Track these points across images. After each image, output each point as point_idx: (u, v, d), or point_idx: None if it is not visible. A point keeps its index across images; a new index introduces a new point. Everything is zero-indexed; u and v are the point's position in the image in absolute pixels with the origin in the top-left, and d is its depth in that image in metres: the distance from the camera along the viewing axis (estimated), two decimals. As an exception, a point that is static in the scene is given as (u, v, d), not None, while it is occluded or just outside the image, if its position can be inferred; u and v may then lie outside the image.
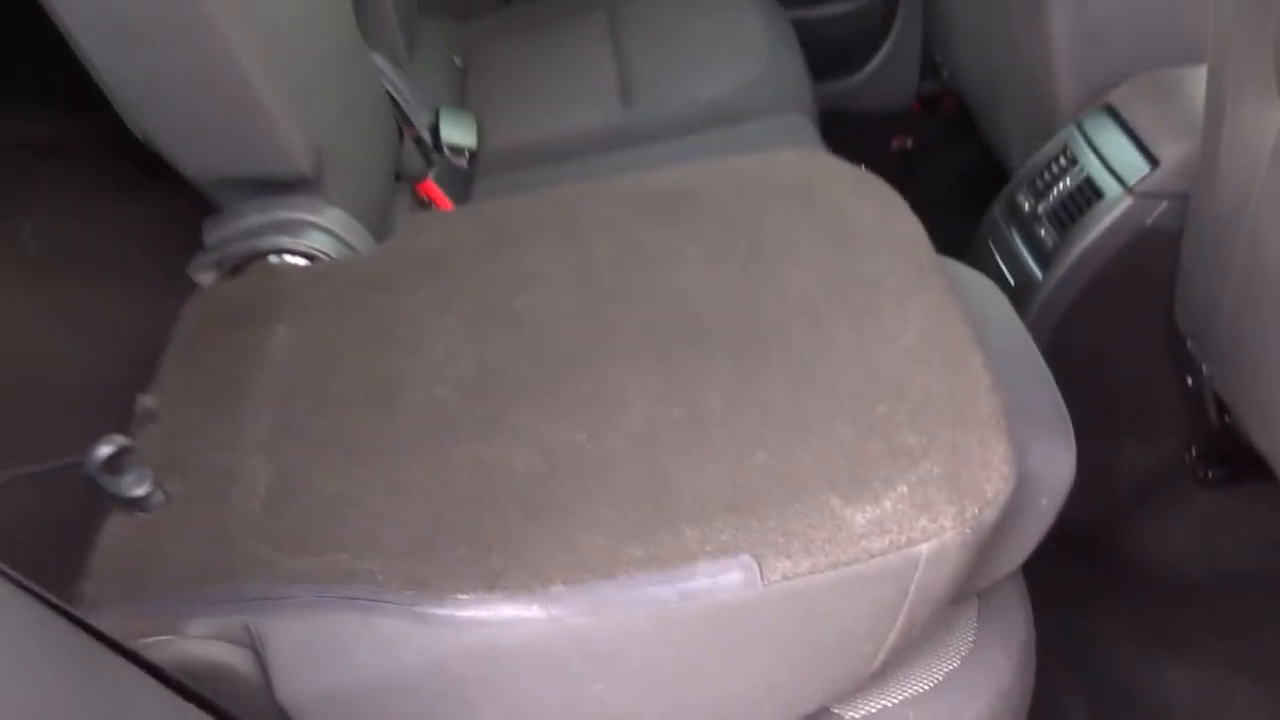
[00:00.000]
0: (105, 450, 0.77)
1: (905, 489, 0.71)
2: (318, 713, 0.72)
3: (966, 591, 0.83)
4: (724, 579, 0.69)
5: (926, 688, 0.82)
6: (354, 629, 0.72)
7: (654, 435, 0.78)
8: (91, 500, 1.11)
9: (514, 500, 0.76)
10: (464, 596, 0.70)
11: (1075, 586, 1.39)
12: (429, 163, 1.41)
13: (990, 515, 0.71)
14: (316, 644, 0.72)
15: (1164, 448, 1.44)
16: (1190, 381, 1.31)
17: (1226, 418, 1.29)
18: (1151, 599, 1.40)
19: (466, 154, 1.47)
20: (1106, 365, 1.39)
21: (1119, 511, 1.45)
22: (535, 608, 0.70)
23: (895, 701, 0.81)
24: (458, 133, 1.48)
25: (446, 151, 1.45)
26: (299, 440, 0.86)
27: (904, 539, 0.69)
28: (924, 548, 0.69)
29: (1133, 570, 1.43)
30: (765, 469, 0.74)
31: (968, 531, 0.70)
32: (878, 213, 0.94)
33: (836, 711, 0.81)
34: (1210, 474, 1.42)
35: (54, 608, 0.56)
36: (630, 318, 0.89)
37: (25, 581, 0.54)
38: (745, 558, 0.69)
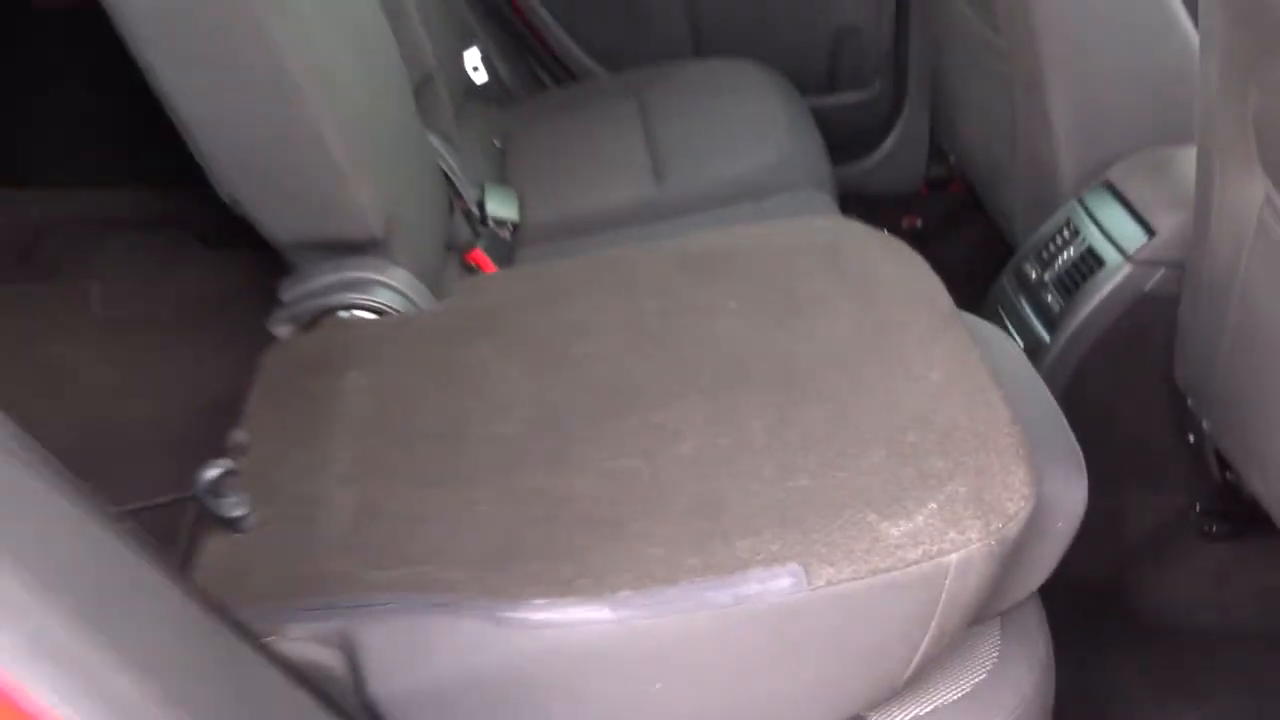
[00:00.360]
0: (212, 473, 0.85)
1: (935, 506, 0.79)
2: (404, 709, 0.79)
3: (990, 611, 0.90)
4: (774, 584, 0.77)
5: (954, 698, 0.88)
6: (438, 632, 0.79)
7: (704, 462, 0.87)
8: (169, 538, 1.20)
9: (579, 520, 0.84)
10: (539, 601, 0.78)
11: (1091, 639, 1.45)
12: (476, 234, 1.52)
13: (1012, 530, 0.79)
14: (403, 646, 0.79)
15: (1170, 504, 1.51)
16: (1192, 439, 1.39)
17: (1228, 474, 1.37)
18: (1164, 650, 1.46)
19: (510, 227, 1.58)
20: (1112, 424, 1.47)
21: (1129, 567, 1.52)
22: (605, 610, 0.77)
23: (926, 711, 0.88)
24: (502, 207, 1.59)
25: (491, 224, 1.56)
26: (377, 472, 0.94)
27: (935, 549, 0.77)
28: (953, 557, 0.77)
29: (1145, 623, 1.49)
30: (808, 490, 0.82)
31: (993, 544, 0.78)
32: (901, 270, 1.04)
33: (873, 719, 0.87)
34: (1215, 529, 1.49)
35: (209, 607, 0.64)
36: (677, 362, 0.98)
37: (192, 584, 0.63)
38: (793, 565, 0.77)
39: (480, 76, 1.95)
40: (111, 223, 1.76)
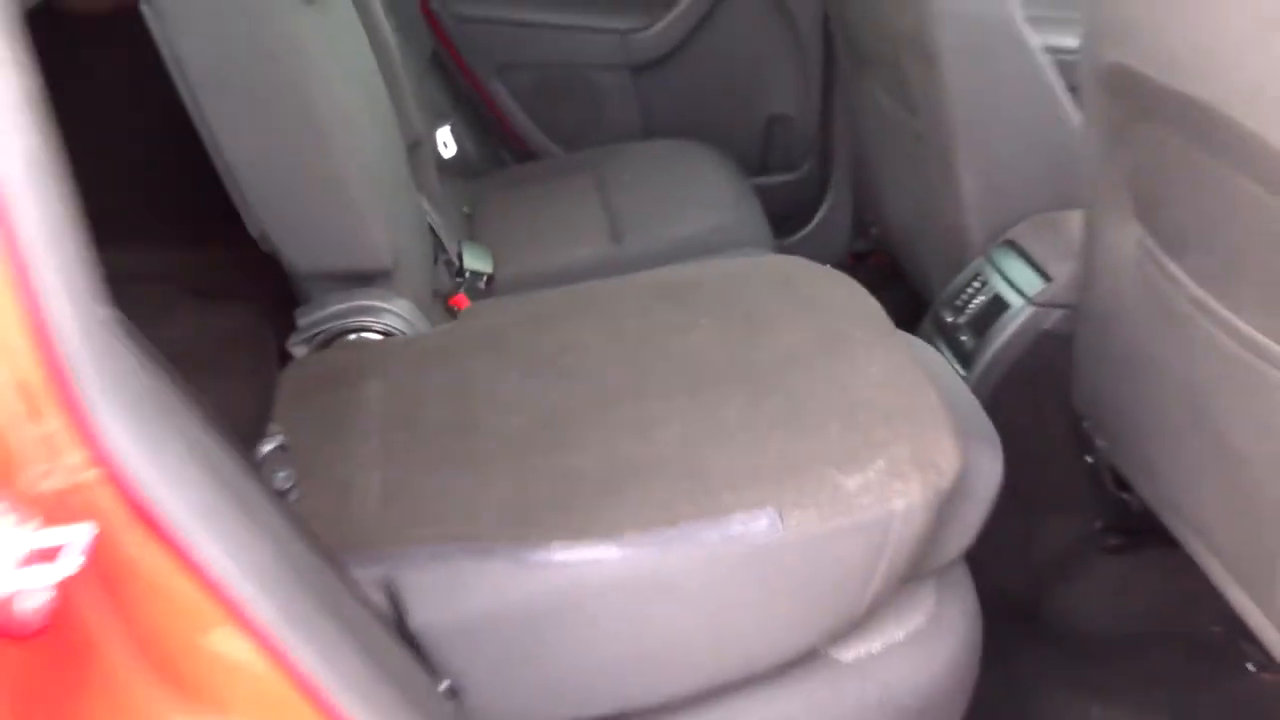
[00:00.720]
0: (268, 447, 0.99)
1: (883, 464, 0.97)
2: (442, 640, 0.92)
3: (928, 566, 1.07)
4: (754, 525, 0.93)
5: (900, 638, 1.04)
6: (470, 574, 0.93)
7: (688, 440, 1.03)
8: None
9: (585, 486, 0.99)
10: (557, 544, 0.93)
11: (1010, 643, 1.62)
12: (457, 283, 1.68)
13: (945, 483, 0.96)
14: (440, 587, 0.93)
15: (1075, 522, 1.71)
16: (1090, 459, 1.59)
17: (1124, 494, 1.57)
18: (1072, 652, 1.64)
19: (485, 278, 1.75)
20: (1022, 451, 1.66)
21: (1040, 579, 1.70)
22: (614, 549, 0.92)
23: (877, 648, 1.03)
24: (478, 261, 1.75)
25: (469, 275, 1.72)
26: (399, 459, 1.08)
27: (884, 498, 0.94)
28: (899, 504, 0.94)
29: (1056, 628, 1.67)
30: (778, 455, 0.99)
31: (930, 494, 0.95)
32: (844, 293, 1.23)
33: (834, 654, 1.03)
34: (1114, 543, 1.69)
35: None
36: (658, 368, 1.15)
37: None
38: (770, 510, 0.93)
39: (449, 151, 2.13)
40: (124, 279, 1.87)
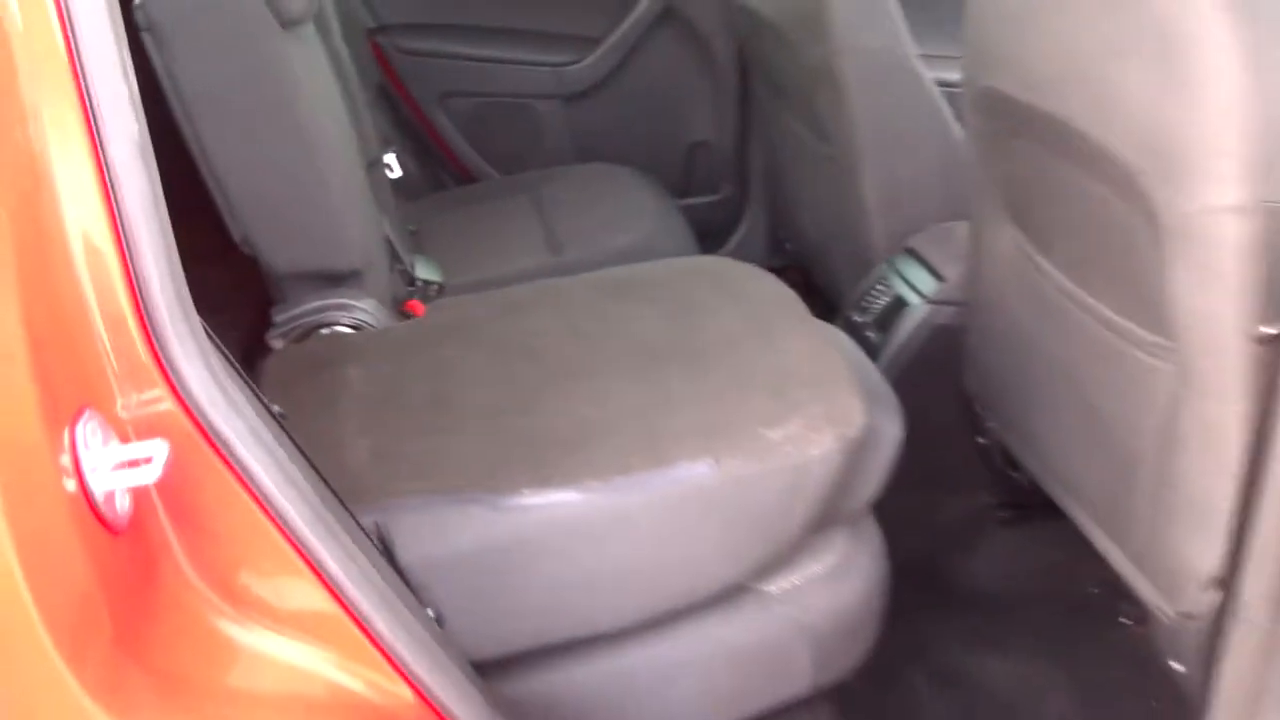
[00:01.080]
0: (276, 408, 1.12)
1: (802, 420, 1.15)
2: (426, 575, 1.06)
3: (842, 513, 1.25)
4: (695, 470, 1.10)
5: (820, 572, 1.21)
6: (450, 517, 1.08)
7: (640, 406, 1.20)
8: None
9: (549, 444, 1.15)
10: (527, 491, 1.08)
11: (915, 607, 1.80)
12: (410, 291, 1.83)
13: (853, 434, 1.14)
14: (425, 529, 1.07)
15: (972, 499, 1.91)
16: (982, 440, 1.79)
17: (1013, 472, 1.77)
18: (973, 614, 1.83)
19: (436, 287, 1.90)
20: (923, 434, 1.86)
21: (943, 548, 1.90)
22: (575, 494, 1.08)
23: (799, 581, 1.20)
24: (428, 271, 1.90)
25: (420, 284, 1.87)
26: (383, 428, 1.22)
27: (804, 447, 1.12)
28: (816, 452, 1.12)
29: (957, 593, 1.86)
30: (715, 417, 1.16)
31: (841, 444, 1.13)
32: (768, 287, 1.42)
33: (762, 587, 1.19)
34: (1005, 516, 1.90)
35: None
36: (611, 349, 1.31)
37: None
38: (709, 459, 1.10)
39: (394, 174, 2.28)
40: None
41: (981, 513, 1.91)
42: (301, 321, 1.43)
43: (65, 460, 0.68)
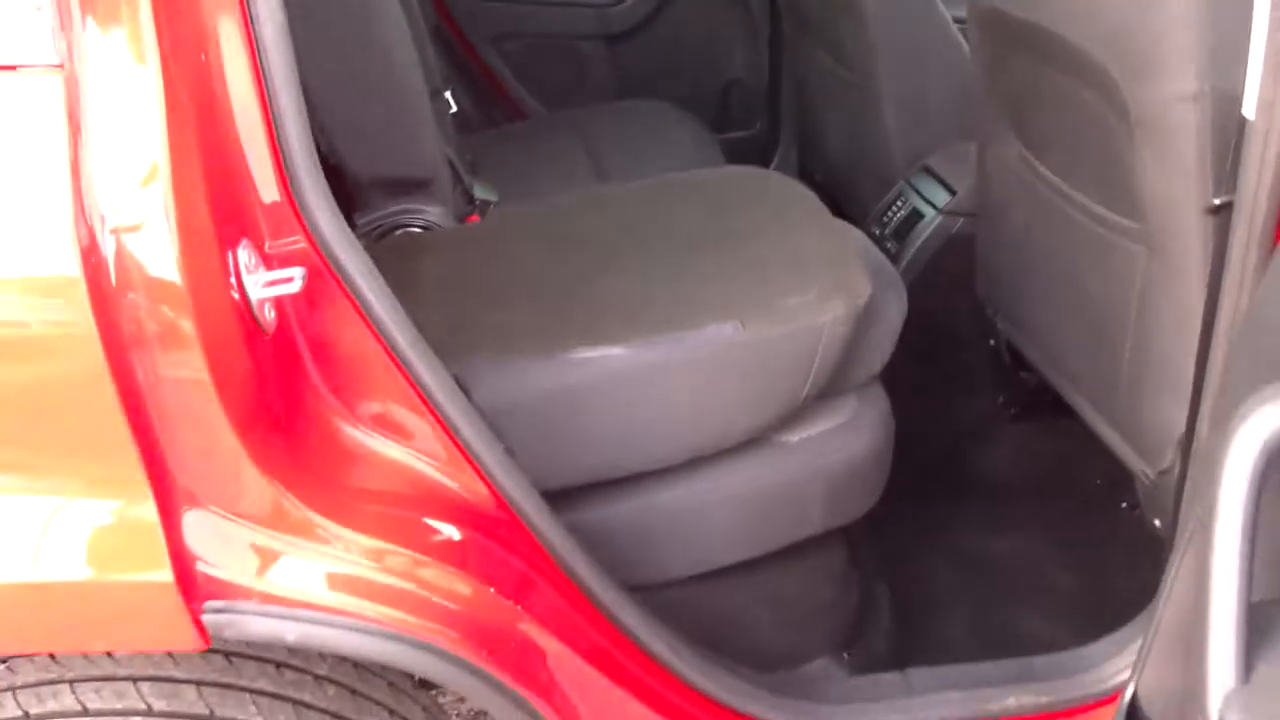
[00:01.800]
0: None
1: (816, 290, 1.33)
2: (499, 416, 1.25)
3: (852, 379, 1.42)
4: (724, 331, 1.28)
5: (833, 426, 1.40)
6: (518, 370, 1.27)
7: (676, 281, 1.38)
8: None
9: (599, 313, 1.34)
10: (581, 346, 1.28)
11: (931, 492, 1.98)
12: (469, 209, 2.02)
13: (860, 303, 1.32)
14: (496, 380, 1.26)
15: (984, 396, 2.08)
16: (992, 342, 1.96)
17: (1022, 372, 1.94)
18: (982, 498, 2.00)
19: (493, 205, 2.09)
20: (938, 338, 2.03)
21: (958, 443, 2.07)
22: (621, 349, 1.27)
23: (815, 432, 1.38)
24: (485, 192, 2.10)
25: (478, 203, 2.07)
26: (456, 306, 1.42)
27: (819, 311, 1.30)
28: (827, 316, 1.30)
29: (969, 480, 2.04)
30: (740, 289, 1.35)
31: (850, 310, 1.31)
32: (792, 190, 1.60)
33: (782, 438, 1.38)
34: (1015, 413, 2.07)
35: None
36: (650, 238, 1.50)
37: None
38: (735, 321, 1.29)
39: (452, 109, 2.47)
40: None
41: (995, 411, 2.08)
42: (381, 224, 1.63)
43: (230, 276, 0.88)
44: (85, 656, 1.04)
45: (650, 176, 2.21)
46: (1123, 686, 1.32)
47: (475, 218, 1.99)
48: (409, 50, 1.69)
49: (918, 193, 2.03)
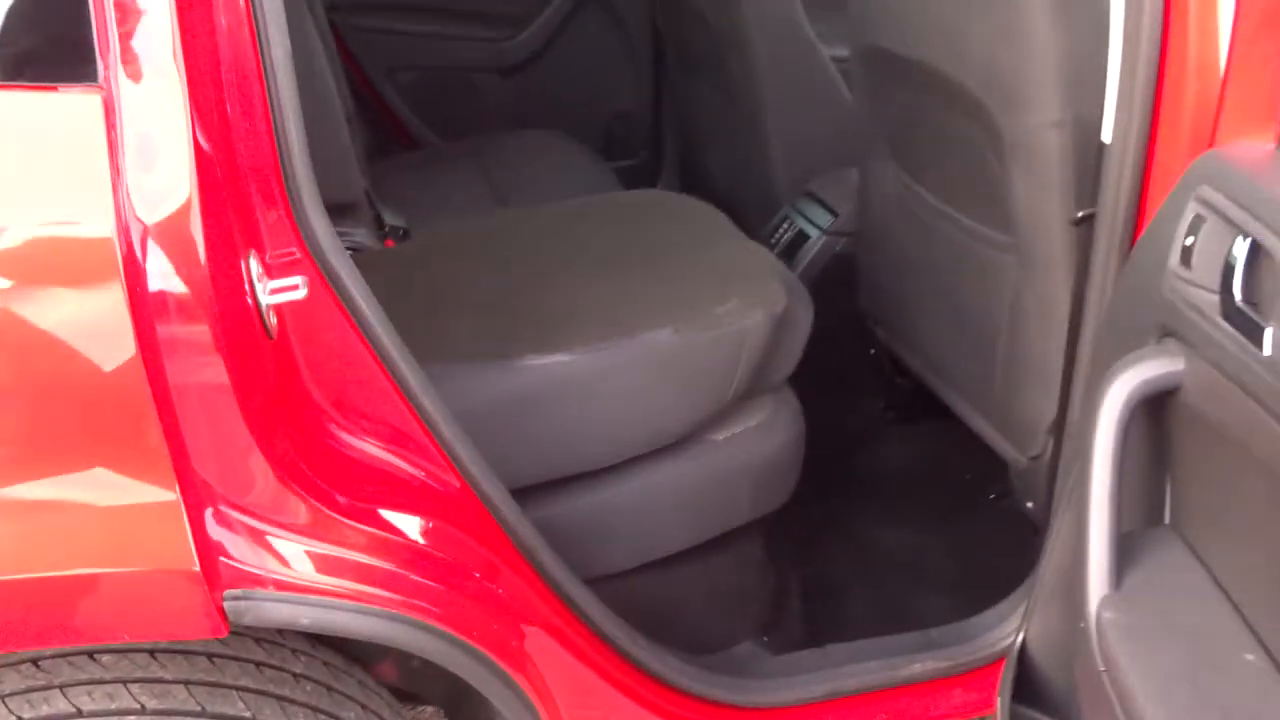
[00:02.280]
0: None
1: (738, 299, 1.47)
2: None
3: (769, 381, 1.56)
4: (659, 336, 1.41)
5: (753, 425, 1.53)
6: (472, 378, 1.36)
7: (611, 293, 1.50)
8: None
9: (540, 323, 1.44)
10: (529, 354, 1.38)
11: (830, 488, 2.14)
12: (382, 233, 2.09)
13: (778, 310, 1.47)
14: (452, 388, 1.34)
15: (870, 402, 2.27)
16: (874, 351, 2.15)
17: (899, 379, 2.13)
18: (875, 496, 2.18)
19: (402, 231, 2.16)
20: (825, 350, 2.20)
21: (847, 444, 2.25)
22: (566, 355, 1.38)
23: (738, 430, 1.52)
24: (394, 218, 2.17)
25: (388, 227, 2.14)
26: (399, 318, 1.49)
27: (742, 318, 1.44)
28: (749, 322, 1.44)
29: (860, 476, 2.21)
30: (670, 299, 1.48)
31: (769, 316, 1.46)
32: (705, 210, 1.74)
33: (709, 436, 1.51)
34: (894, 417, 2.26)
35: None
36: (578, 255, 1.61)
37: None
38: (670, 327, 1.41)
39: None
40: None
41: (878, 413, 2.27)
42: (310, 246, 1.69)
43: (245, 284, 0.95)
44: (69, 662, 1.07)
45: (552, 202, 2.34)
46: (1011, 648, 1.49)
47: (390, 242, 2.06)
48: (330, 79, 1.76)
49: (803, 215, 2.21)
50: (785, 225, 2.25)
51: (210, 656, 1.14)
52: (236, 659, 1.16)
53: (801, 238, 2.18)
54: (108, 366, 0.86)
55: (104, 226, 0.85)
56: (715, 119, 2.50)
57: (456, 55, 2.72)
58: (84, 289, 0.87)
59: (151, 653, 1.07)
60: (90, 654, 1.07)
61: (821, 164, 2.26)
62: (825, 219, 2.15)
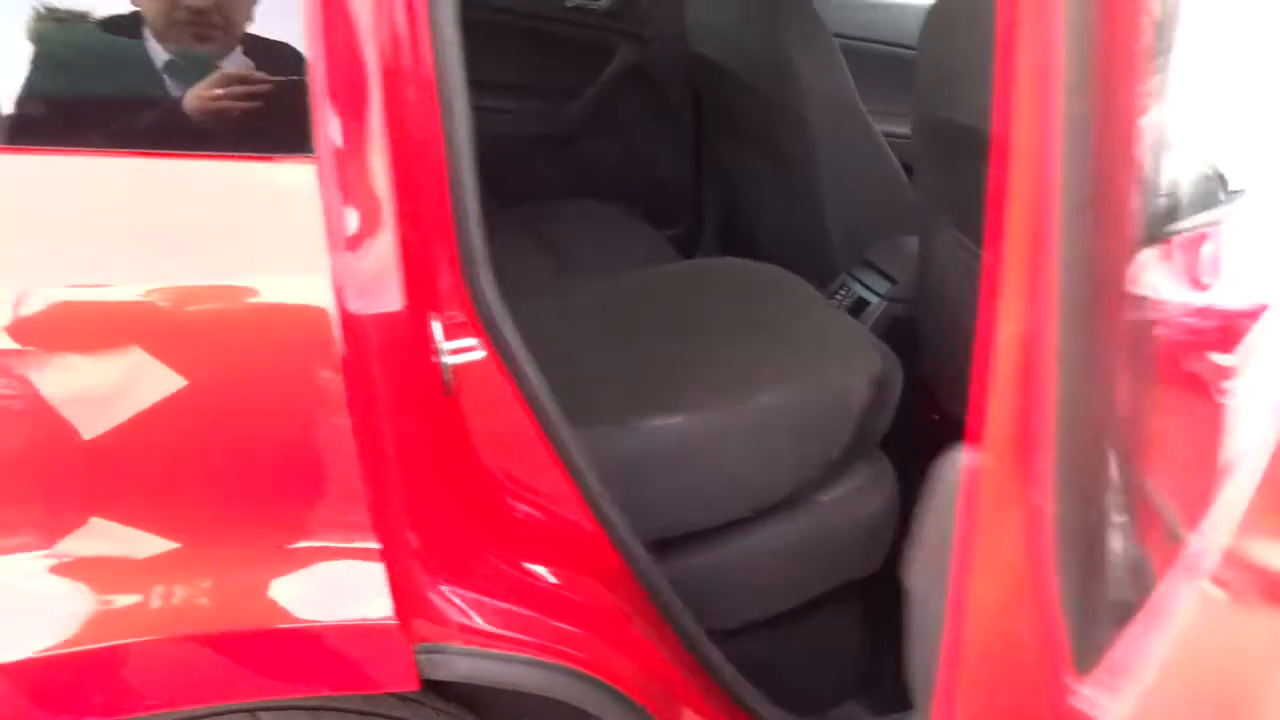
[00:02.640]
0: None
1: (839, 361, 1.52)
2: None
3: (867, 445, 1.60)
4: (770, 399, 1.45)
5: (854, 488, 1.57)
6: (599, 439, 1.39)
7: (721, 358, 1.54)
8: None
9: (660, 386, 1.48)
10: (652, 416, 1.41)
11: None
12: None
13: (877, 371, 1.52)
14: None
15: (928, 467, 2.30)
16: (937, 417, 2.19)
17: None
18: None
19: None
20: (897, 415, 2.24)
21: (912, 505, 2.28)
22: (682, 417, 1.42)
23: (841, 493, 1.56)
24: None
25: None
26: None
27: (846, 379, 1.48)
28: (854, 383, 1.49)
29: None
30: (782, 364, 1.52)
31: (870, 378, 1.51)
32: (791, 280, 1.79)
33: (816, 497, 1.54)
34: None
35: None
36: (692, 322, 1.66)
37: None
38: (780, 389, 1.46)
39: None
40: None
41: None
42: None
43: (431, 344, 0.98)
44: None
45: (613, 272, 2.39)
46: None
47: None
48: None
49: (860, 282, 2.27)
50: (843, 292, 2.31)
51: (363, 715, 1.14)
52: (386, 717, 1.17)
53: (861, 304, 2.24)
54: (320, 427, 0.89)
55: (320, 293, 0.89)
56: (762, 187, 2.57)
57: (508, 126, 2.78)
58: (299, 350, 0.90)
59: (314, 709, 1.08)
60: (251, 711, 1.08)
61: (875, 232, 2.33)
62: (883, 285, 2.21)
